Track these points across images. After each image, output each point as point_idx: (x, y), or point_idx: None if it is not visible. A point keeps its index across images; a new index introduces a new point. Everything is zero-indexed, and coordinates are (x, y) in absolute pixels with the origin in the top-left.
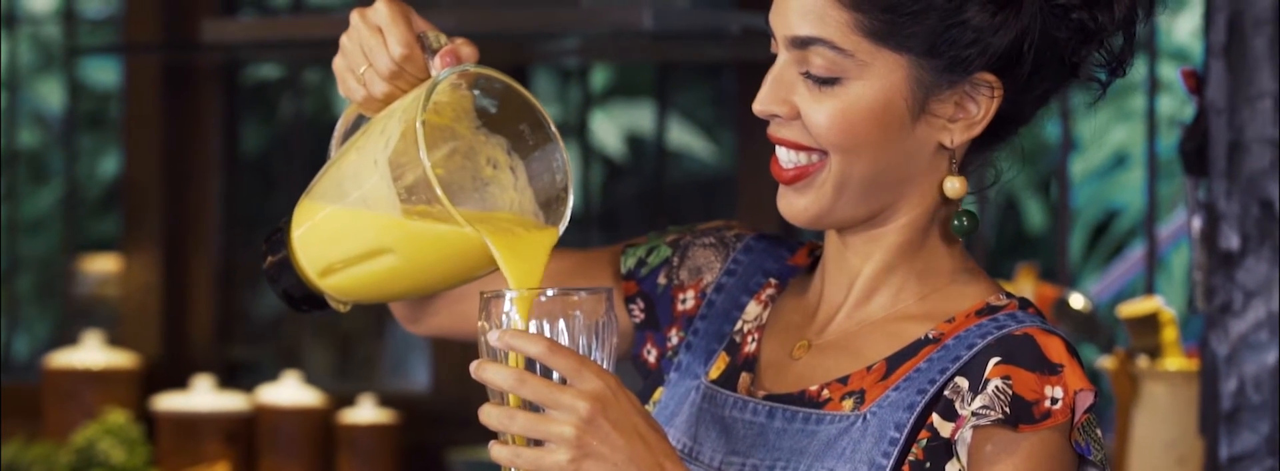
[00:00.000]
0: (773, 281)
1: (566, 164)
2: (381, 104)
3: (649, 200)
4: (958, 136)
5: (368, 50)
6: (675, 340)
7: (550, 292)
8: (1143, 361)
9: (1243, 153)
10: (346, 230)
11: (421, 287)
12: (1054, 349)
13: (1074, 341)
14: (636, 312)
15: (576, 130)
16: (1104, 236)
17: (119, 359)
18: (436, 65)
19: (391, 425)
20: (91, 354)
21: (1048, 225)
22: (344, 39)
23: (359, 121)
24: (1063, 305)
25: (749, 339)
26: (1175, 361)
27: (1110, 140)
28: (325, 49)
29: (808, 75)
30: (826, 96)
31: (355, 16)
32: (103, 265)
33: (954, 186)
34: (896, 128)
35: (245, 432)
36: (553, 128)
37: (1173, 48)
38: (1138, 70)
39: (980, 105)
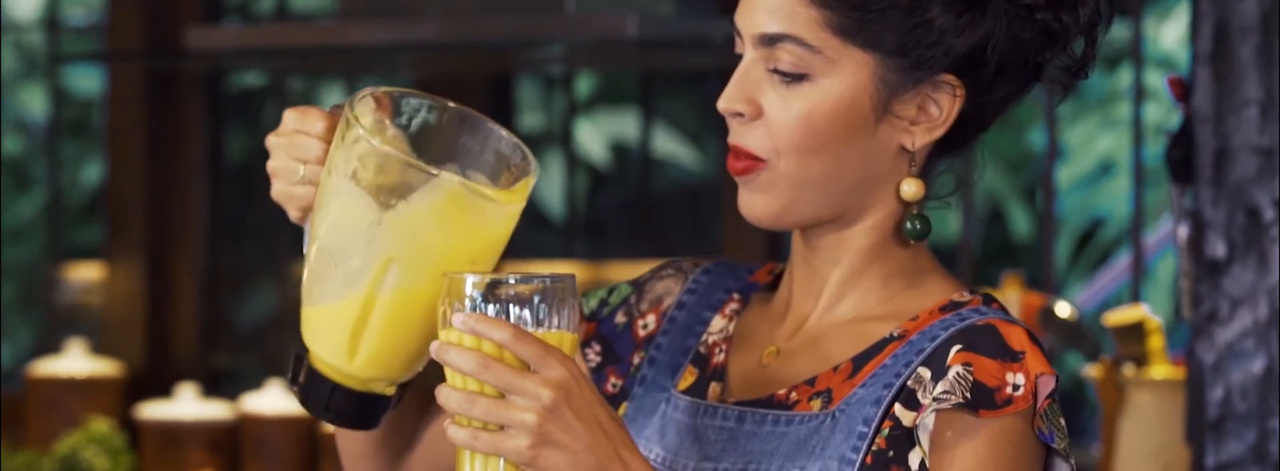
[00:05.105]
0: (736, 296)
1: (516, 139)
2: None
3: (634, 208)
4: (919, 139)
5: (297, 148)
6: (637, 361)
7: (513, 278)
8: (1129, 370)
9: (1229, 160)
10: (335, 258)
11: (432, 284)
12: (1016, 337)
13: (1056, 348)
14: (592, 356)
15: (561, 138)
16: (1090, 244)
17: (102, 367)
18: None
19: None
20: (75, 362)
21: (1033, 233)
22: (271, 164)
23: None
24: (1048, 313)
25: (717, 350)
26: (1161, 370)
27: (1096, 148)
28: (310, 57)
29: (776, 71)
30: (793, 95)
31: (270, 139)
32: (86, 273)
33: (910, 189)
34: (860, 128)
35: (229, 441)
36: (491, 123)
37: (1159, 55)
38: (1124, 78)
39: (942, 107)
